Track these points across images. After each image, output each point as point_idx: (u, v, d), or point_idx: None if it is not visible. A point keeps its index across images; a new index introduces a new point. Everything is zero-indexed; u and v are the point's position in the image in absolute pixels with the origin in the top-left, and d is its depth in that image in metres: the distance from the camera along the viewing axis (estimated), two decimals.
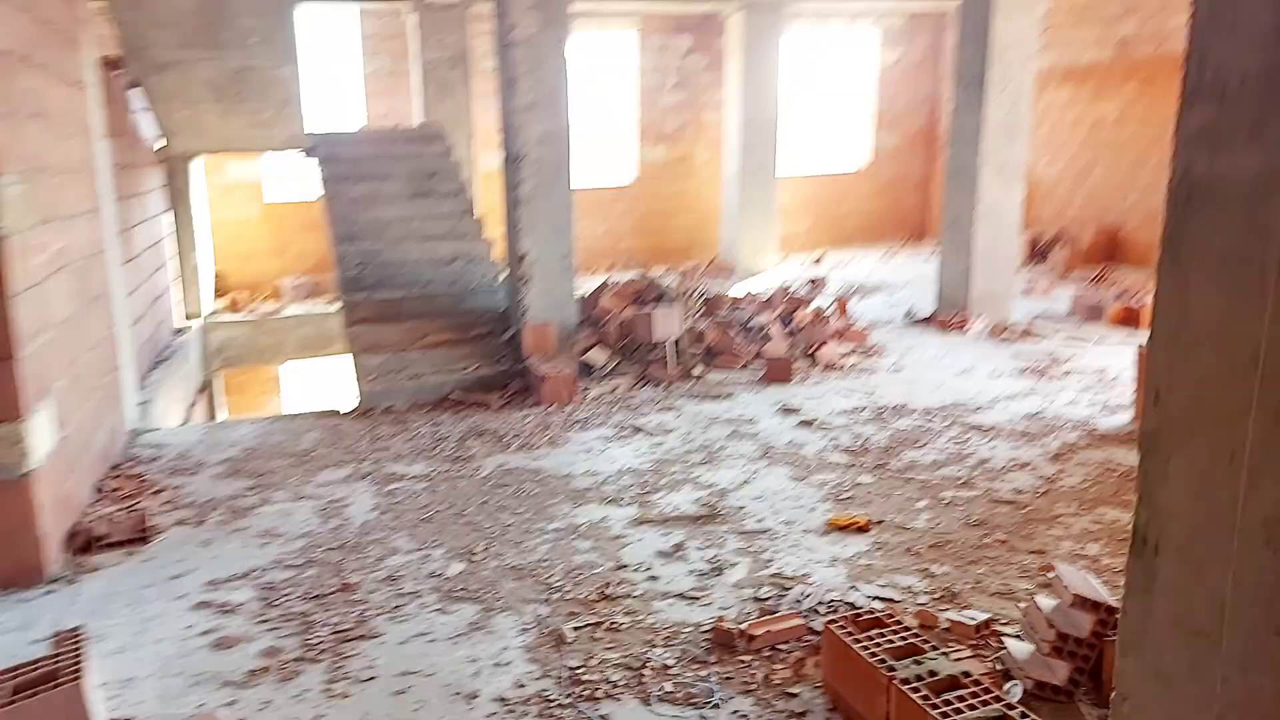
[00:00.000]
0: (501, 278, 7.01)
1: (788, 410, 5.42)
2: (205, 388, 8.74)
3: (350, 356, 6.24)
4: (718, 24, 11.63)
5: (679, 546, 3.67)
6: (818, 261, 11.67)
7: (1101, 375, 5.85)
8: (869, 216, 13.28)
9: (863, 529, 3.74)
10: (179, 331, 8.02)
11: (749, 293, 8.62)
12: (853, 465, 4.52)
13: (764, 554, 3.58)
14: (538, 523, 3.94)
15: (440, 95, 10.21)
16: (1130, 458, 4.41)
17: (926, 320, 7.68)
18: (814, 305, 7.92)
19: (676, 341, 6.40)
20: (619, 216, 12.14)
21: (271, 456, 4.89)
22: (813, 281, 9.79)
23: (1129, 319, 7.04)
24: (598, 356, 6.61)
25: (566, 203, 5.95)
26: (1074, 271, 9.80)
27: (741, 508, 4.03)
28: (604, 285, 7.97)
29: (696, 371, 6.34)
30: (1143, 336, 6.39)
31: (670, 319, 6.28)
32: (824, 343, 6.81)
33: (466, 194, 7.84)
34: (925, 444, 4.73)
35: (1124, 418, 4.99)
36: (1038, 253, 10.57)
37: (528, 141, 5.78)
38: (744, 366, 6.52)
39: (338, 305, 6.87)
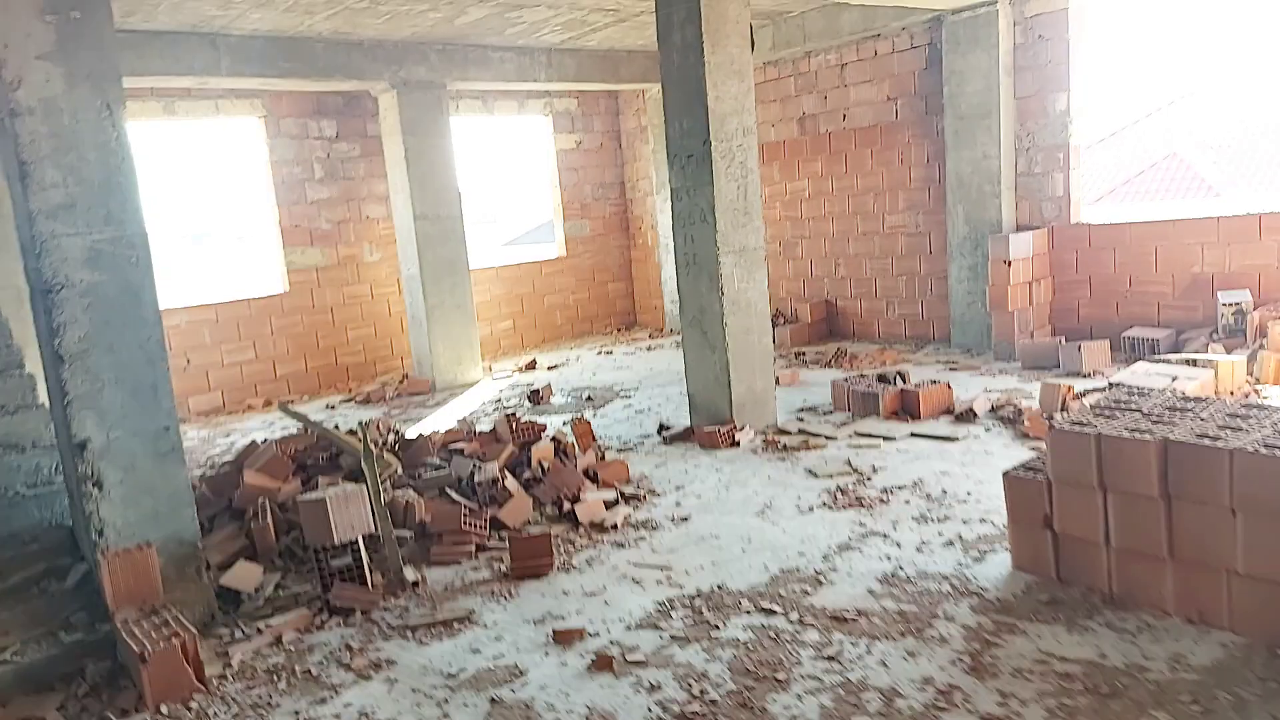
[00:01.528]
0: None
1: (563, 635, 3.52)
2: None
3: None
4: (368, 106, 9.75)
5: None
6: (531, 366, 9.99)
7: (926, 494, 4.70)
8: (574, 309, 11.96)
9: None
10: None
11: (462, 423, 6.65)
12: None
13: None
14: None
15: None
16: (1063, 638, 3.12)
17: (684, 435, 6.25)
18: (549, 432, 6.17)
19: (372, 535, 4.25)
20: (270, 336, 9.55)
21: None
22: (534, 394, 8.05)
23: (908, 407, 6.15)
24: (246, 576, 4.24)
25: (152, 348, 3.63)
26: (802, 351, 9.11)
27: None
28: (250, 449, 5.55)
29: (410, 575, 4.22)
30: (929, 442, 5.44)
31: (355, 503, 4.12)
32: (580, 490, 5.04)
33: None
34: (788, 676, 3.09)
35: (1000, 564, 3.77)
36: None
37: (65, 263, 3.42)
38: (478, 552, 4.52)
39: None
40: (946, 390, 6.21)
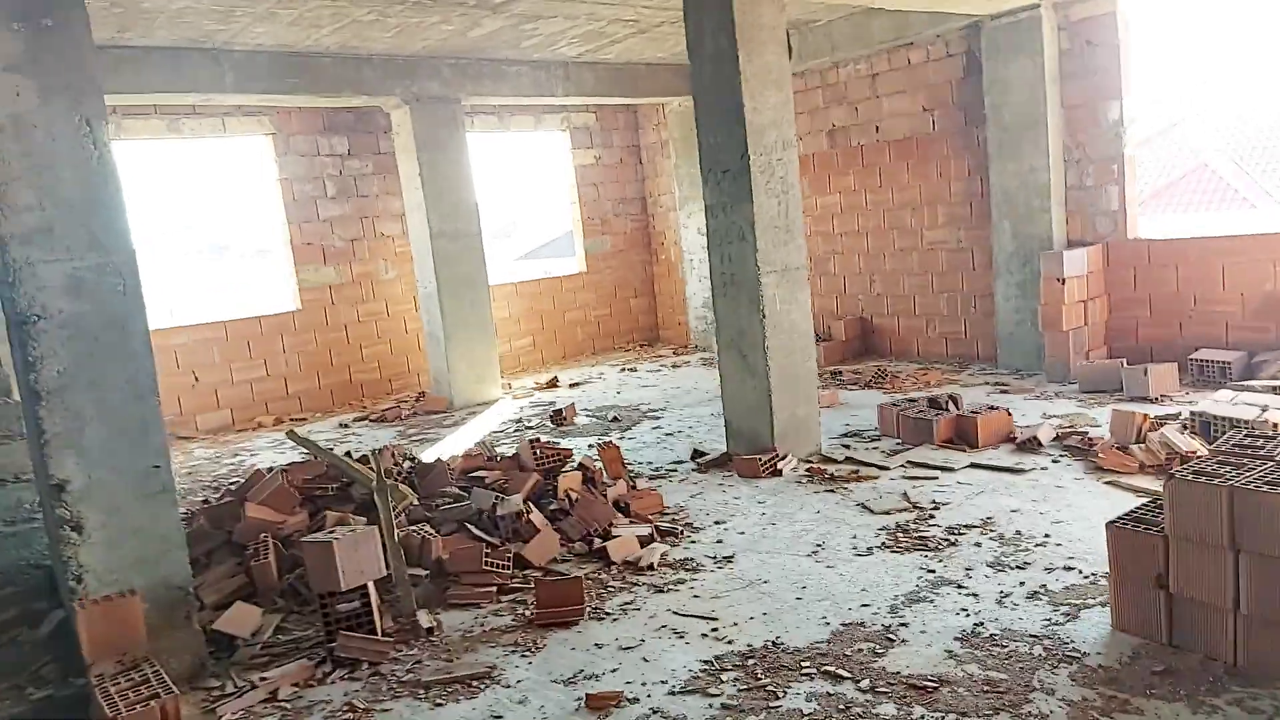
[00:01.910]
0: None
1: (597, 700, 3.08)
2: None
3: None
4: (380, 122, 9.44)
5: None
6: (552, 384, 9.58)
7: (999, 535, 4.23)
8: (595, 325, 11.56)
9: None
10: None
11: (481, 447, 6.24)
12: None
13: None
14: None
15: None
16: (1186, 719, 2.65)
17: (721, 462, 5.81)
18: (575, 458, 5.75)
19: (385, 579, 3.83)
20: (281, 354, 9.20)
21: None
22: (557, 414, 7.64)
23: (963, 434, 5.68)
24: (243, 620, 3.83)
25: (141, 382, 3.24)
26: (839, 371, 8.65)
27: None
28: (254, 478, 5.15)
29: (425, 621, 3.80)
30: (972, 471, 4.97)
31: (365, 545, 3.70)
32: (611, 524, 4.61)
33: None
34: None
35: (1098, 623, 3.30)
36: None
37: (42, 291, 3.05)
38: (500, 594, 4.09)
39: None
40: (1006, 416, 5.74)
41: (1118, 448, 5.09)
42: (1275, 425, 4.65)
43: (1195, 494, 2.86)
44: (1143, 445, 4.98)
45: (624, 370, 10.10)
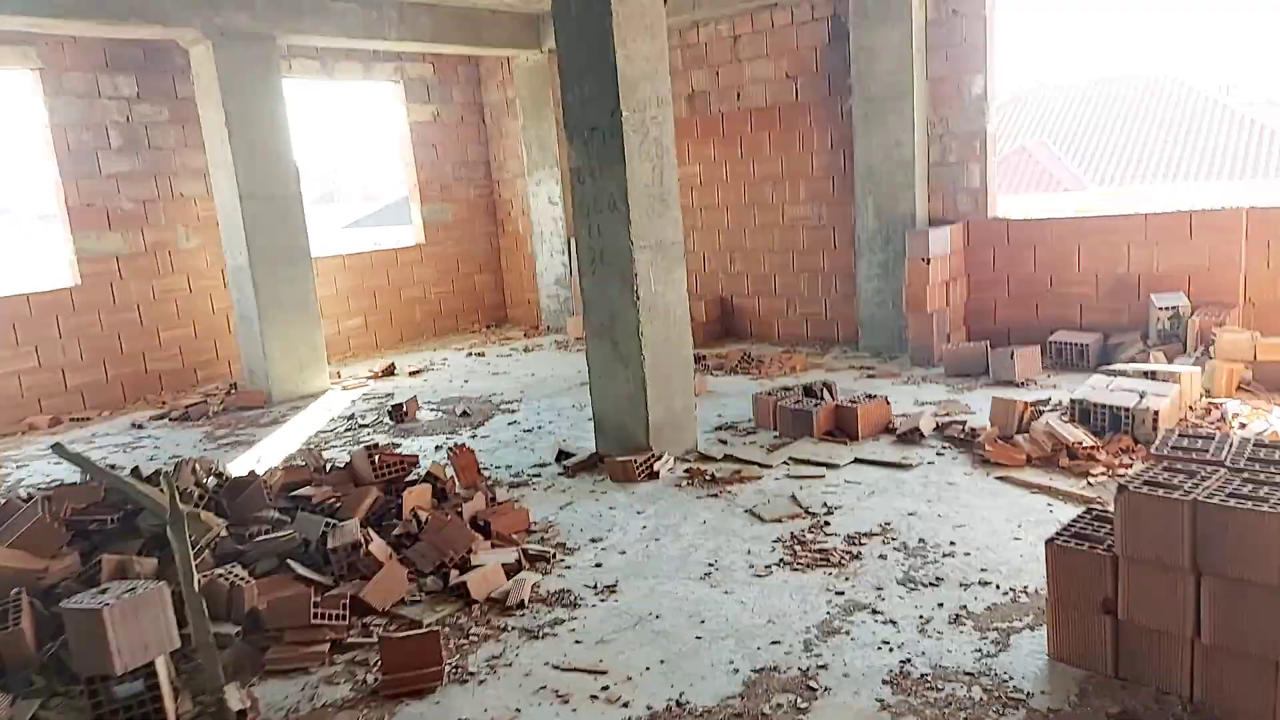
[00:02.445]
0: None
1: None
2: None
3: None
4: (178, 60, 8.07)
5: None
6: (388, 371, 8.63)
7: (901, 543, 3.88)
8: (436, 304, 10.62)
9: None
10: None
11: (307, 455, 5.33)
12: None
13: None
14: None
15: None
16: None
17: (590, 464, 5.21)
18: (423, 464, 4.99)
19: (179, 651, 2.96)
20: (58, 339, 7.74)
21: None
22: (396, 409, 6.78)
23: (843, 425, 5.37)
24: None
25: None
26: (701, 355, 8.25)
27: None
28: (4, 511, 4.07)
29: (235, 700, 2.97)
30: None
31: (150, 610, 2.83)
32: (470, 551, 3.91)
33: None
34: None
35: (1031, 651, 2.97)
36: None
37: None
38: (335, 653, 3.31)
39: None
40: (885, 406, 5.47)
41: (1001, 438, 4.92)
42: (1156, 414, 4.59)
43: (1152, 508, 2.55)
44: (1027, 435, 4.82)
45: (470, 355, 9.28)
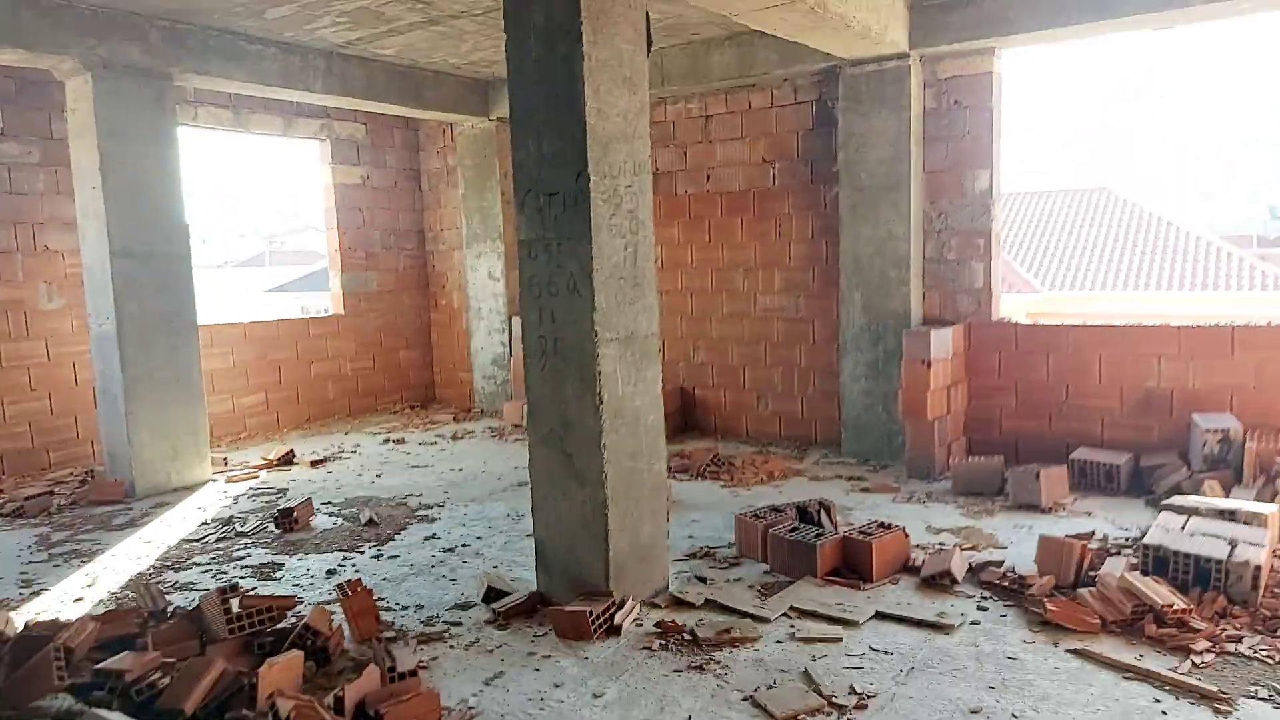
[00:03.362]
0: None
1: None
2: None
3: None
4: (56, 95, 6.87)
5: None
6: (287, 459, 7.25)
7: None
8: (353, 380, 9.32)
9: None
10: None
11: (138, 587, 3.96)
12: None
13: None
14: None
15: None
16: None
17: (528, 609, 3.96)
18: (304, 607, 3.70)
19: None
20: None
21: None
22: (285, 515, 5.45)
23: (853, 563, 4.26)
24: None
25: None
26: None
27: None
28: None
29: None
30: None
31: None
32: None
33: None
34: None
35: None
36: None
37: None
38: None
39: None
40: (902, 539, 4.40)
41: (1058, 589, 3.88)
42: (1258, 569, 3.62)
43: None
44: (1092, 590, 3.79)
45: (388, 442, 7.96)
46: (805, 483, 6.17)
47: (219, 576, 4.58)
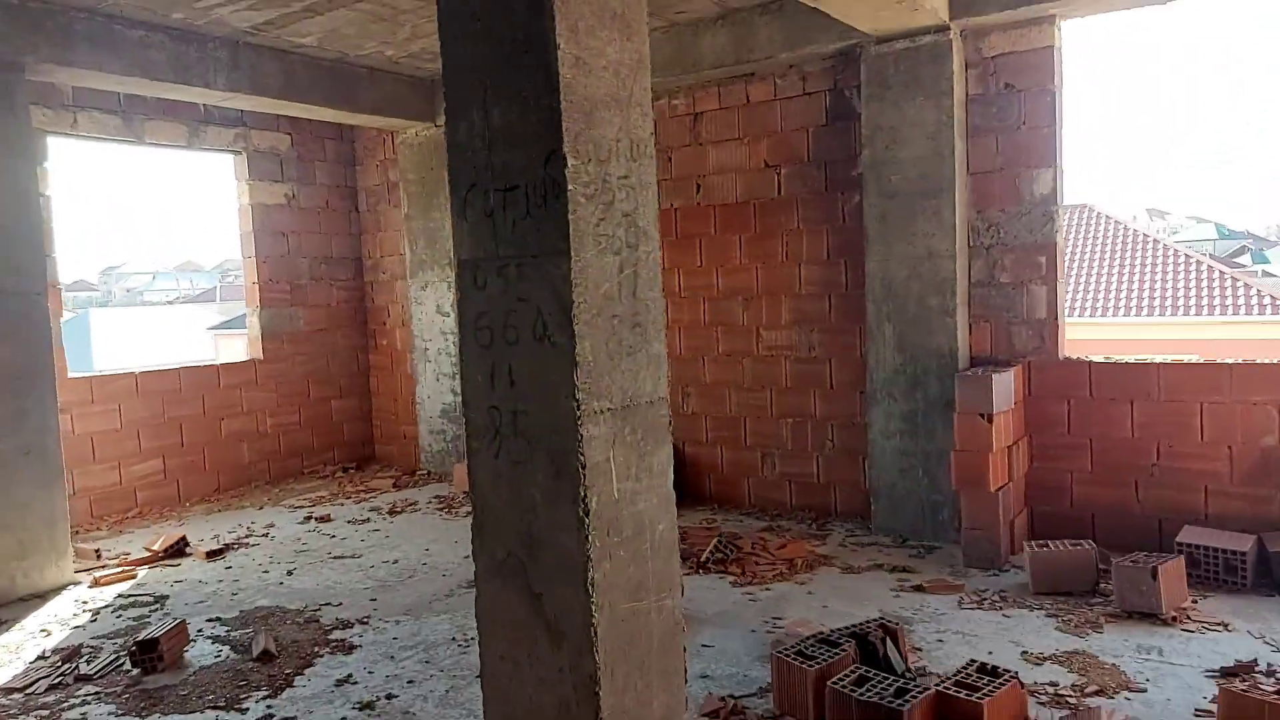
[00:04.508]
0: None
1: None
2: None
3: None
4: None
5: None
6: (176, 549, 5.74)
7: None
8: (273, 439, 7.83)
9: None
10: None
11: None
12: None
13: None
14: None
15: None
16: None
17: None
18: None
19: None
20: None
21: None
22: (146, 647, 3.99)
23: None
24: None
25: None
26: None
27: None
28: None
29: None
30: None
31: None
32: None
33: None
34: None
35: None
36: None
37: None
38: None
39: None
40: (1018, 694, 3.09)
41: None
42: None
43: None
44: None
45: (309, 519, 6.49)
46: (837, 575, 4.85)
47: None
